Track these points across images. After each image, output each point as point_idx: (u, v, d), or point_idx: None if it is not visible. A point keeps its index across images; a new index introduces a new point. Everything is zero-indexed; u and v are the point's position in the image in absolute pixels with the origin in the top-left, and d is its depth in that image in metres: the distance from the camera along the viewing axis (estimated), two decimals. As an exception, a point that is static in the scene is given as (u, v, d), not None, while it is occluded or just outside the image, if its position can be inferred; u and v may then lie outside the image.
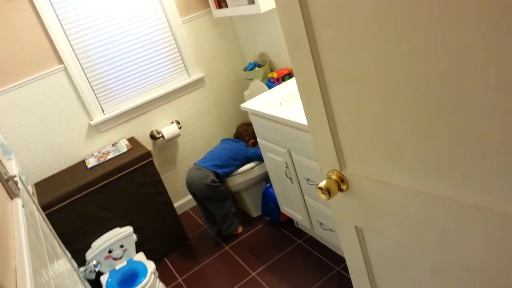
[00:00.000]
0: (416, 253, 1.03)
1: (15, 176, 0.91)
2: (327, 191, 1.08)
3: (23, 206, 0.84)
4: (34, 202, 1.15)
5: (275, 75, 2.61)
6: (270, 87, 2.64)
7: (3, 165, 0.90)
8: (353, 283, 1.36)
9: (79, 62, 2.66)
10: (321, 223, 2.16)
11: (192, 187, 2.65)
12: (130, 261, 2.53)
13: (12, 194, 0.86)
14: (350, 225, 1.19)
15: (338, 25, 0.87)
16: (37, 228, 0.90)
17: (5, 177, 0.84)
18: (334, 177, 1.11)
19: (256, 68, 2.84)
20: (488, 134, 0.72)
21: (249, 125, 2.87)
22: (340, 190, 1.12)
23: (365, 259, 1.23)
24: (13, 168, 1.05)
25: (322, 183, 1.09)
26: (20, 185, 1.01)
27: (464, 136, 0.75)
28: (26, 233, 0.70)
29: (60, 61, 2.60)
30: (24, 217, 0.77)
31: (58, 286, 0.79)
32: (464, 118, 0.74)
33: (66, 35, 2.59)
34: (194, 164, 2.71)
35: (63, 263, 1.01)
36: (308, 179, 2.04)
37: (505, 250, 0.79)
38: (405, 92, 0.81)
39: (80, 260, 2.48)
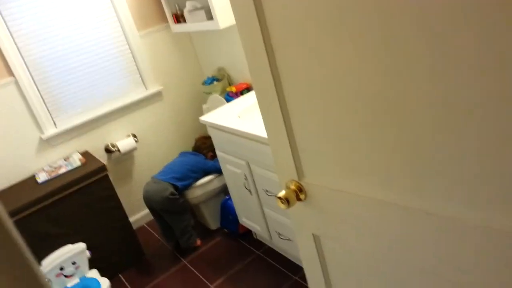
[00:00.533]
0: (372, 260, 1.10)
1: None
2: (286, 201, 1.13)
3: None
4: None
5: (233, 89, 2.67)
6: (228, 100, 2.68)
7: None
8: (311, 289, 1.40)
9: (31, 75, 2.57)
10: (279, 233, 2.20)
11: (149, 201, 2.61)
12: (83, 279, 2.44)
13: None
14: (308, 233, 1.25)
15: (295, 38, 0.93)
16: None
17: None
18: (292, 187, 1.16)
19: (215, 82, 2.88)
20: (436, 144, 0.79)
21: (207, 138, 2.89)
22: (299, 199, 1.17)
23: (323, 267, 1.28)
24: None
25: (281, 193, 1.13)
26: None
27: (414, 145, 0.83)
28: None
29: (11, 73, 2.50)
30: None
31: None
32: (413, 128, 0.81)
33: (17, 47, 2.50)
34: (152, 177, 2.68)
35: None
36: (267, 190, 2.09)
37: (455, 254, 0.86)
38: (356, 103, 0.88)
39: (29, 280, 2.36)
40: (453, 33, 0.68)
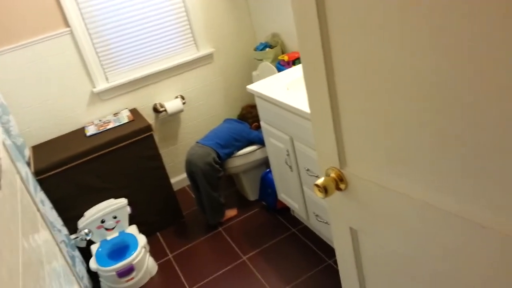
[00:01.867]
0: (412, 265, 0.98)
1: (-7, 146, 0.86)
2: (324, 189, 1.02)
3: (-3, 180, 0.80)
4: (18, 172, 1.11)
5: (285, 58, 2.53)
6: (279, 70, 2.56)
7: (-18, 133, 0.85)
8: (342, 283, 1.31)
9: (86, 27, 2.58)
10: (317, 215, 2.11)
11: (191, 166, 2.58)
12: (122, 233, 2.51)
13: (-14, 167, 0.81)
14: (345, 225, 1.14)
15: (354, 7, 0.80)
16: (14, 202, 0.86)
17: (-19, 148, 0.79)
18: (333, 175, 1.05)
19: (267, 49, 2.75)
20: (508, 153, 0.65)
21: (253, 107, 2.80)
22: (338, 189, 1.06)
23: (357, 262, 1.18)
24: (-5, 136, 1.00)
25: (320, 181, 1.03)
26: (2, 153, 0.96)
27: (483, 149, 0.69)
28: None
29: (67, 24, 2.52)
30: (-5, 194, 0.73)
31: (27, 263, 0.75)
32: (483, 128, 0.67)
33: (74, -2, 2.50)
34: (196, 142, 2.65)
35: (42, 237, 0.98)
36: (308, 169, 1.98)
37: (509, 275, 0.73)
38: (424, 95, 0.74)
39: (72, 227, 2.46)
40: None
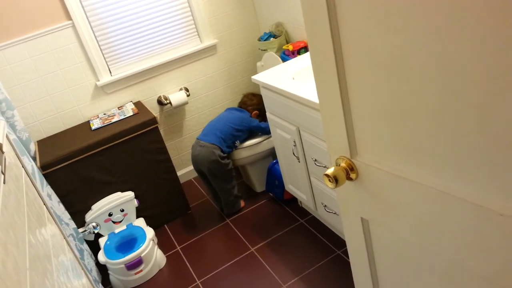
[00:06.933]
0: (427, 255, 0.96)
1: (-3, 141, 0.84)
2: (334, 179, 1.00)
3: (3, 173, 0.78)
4: (23, 166, 1.09)
5: (290, 47, 2.49)
6: (284, 59, 2.52)
7: (-14, 128, 0.84)
8: (353, 274, 1.30)
9: (88, 20, 2.55)
10: (325, 206, 2.09)
11: (198, 165, 2.58)
12: (129, 226, 2.51)
13: (-9, 161, 0.80)
14: (356, 215, 1.12)
15: (364, -4, 0.77)
16: (20, 196, 0.84)
17: (-15, 142, 0.78)
18: (343, 164, 1.02)
19: (271, 39, 2.71)
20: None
21: (255, 95, 2.76)
22: (349, 178, 1.04)
23: (369, 253, 1.16)
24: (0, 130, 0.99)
25: (330, 170, 1.01)
26: (6, 147, 0.95)
27: (499, 133, 0.66)
28: (-1, 207, 0.64)
29: (69, 17, 2.50)
30: (1, 188, 0.72)
31: (34, 258, 0.74)
32: (504, 123, 0.64)
33: (75, -10, 2.47)
34: (197, 139, 2.60)
35: (49, 230, 0.97)
36: (315, 160, 1.96)
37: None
38: (440, 81, 0.71)
39: (80, 221, 2.46)
40: None
